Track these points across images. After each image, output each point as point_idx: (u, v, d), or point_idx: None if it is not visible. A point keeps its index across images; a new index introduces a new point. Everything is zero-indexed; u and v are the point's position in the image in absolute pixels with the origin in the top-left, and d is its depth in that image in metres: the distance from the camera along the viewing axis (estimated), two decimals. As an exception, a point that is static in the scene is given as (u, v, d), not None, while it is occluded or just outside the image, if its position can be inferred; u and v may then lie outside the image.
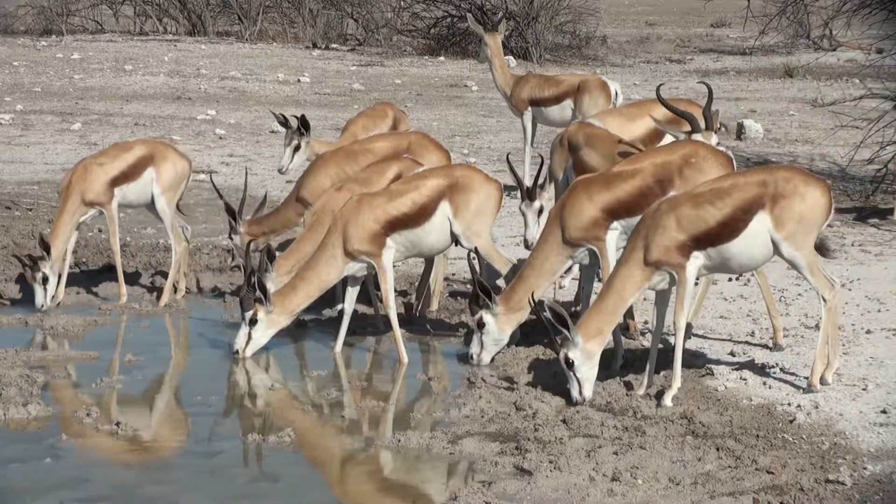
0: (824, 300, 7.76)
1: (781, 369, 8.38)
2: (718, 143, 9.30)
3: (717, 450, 6.98)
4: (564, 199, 8.56)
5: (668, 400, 7.73)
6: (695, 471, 6.76)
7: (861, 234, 12.55)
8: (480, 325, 8.46)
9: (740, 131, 18.25)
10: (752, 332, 9.26)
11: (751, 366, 8.44)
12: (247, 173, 11.30)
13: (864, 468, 6.77)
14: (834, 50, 28.67)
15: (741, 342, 9.03)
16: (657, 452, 6.95)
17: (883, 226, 12.92)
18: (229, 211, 10.38)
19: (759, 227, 7.64)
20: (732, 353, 8.76)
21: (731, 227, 7.64)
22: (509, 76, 14.07)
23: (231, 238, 10.50)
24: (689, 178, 8.44)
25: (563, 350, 7.75)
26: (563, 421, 7.46)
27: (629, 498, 6.50)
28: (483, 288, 8.40)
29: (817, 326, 9.27)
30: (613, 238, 8.48)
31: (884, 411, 7.58)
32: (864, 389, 7.96)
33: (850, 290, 10.32)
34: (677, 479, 6.65)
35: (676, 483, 6.62)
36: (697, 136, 9.23)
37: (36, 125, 18.68)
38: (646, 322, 9.58)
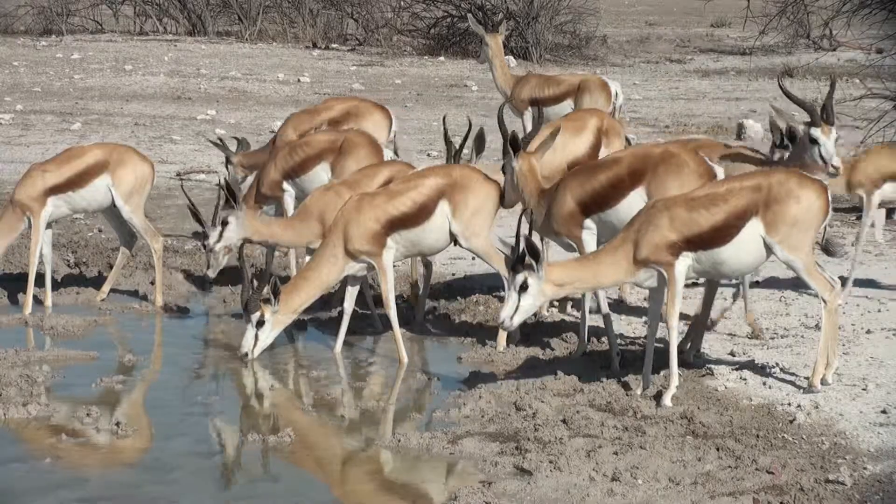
0: (824, 301, 7.75)
1: (781, 369, 8.38)
2: (838, 139, 8.86)
3: (717, 450, 6.98)
4: (553, 188, 8.63)
5: (667, 400, 7.73)
6: (695, 471, 6.76)
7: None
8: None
9: (740, 131, 18.25)
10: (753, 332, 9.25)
11: (751, 366, 8.44)
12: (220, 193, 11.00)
13: (864, 468, 6.77)
14: (834, 50, 28.65)
15: (741, 342, 9.03)
16: (657, 452, 6.95)
17: (883, 226, 12.92)
18: (198, 220, 10.24)
19: (752, 233, 7.65)
20: (732, 353, 8.76)
21: (723, 233, 7.65)
22: (510, 76, 14.08)
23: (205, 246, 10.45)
24: (661, 176, 8.45)
25: (524, 273, 7.63)
26: (563, 421, 7.45)
27: (629, 498, 6.50)
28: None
29: (817, 326, 9.29)
30: (591, 237, 8.49)
31: (884, 411, 7.58)
32: (864, 389, 7.96)
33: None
34: (677, 479, 6.65)
35: (676, 483, 6.62)
36: (816, 131, 8.91)
37: (36, 125, 18.68)
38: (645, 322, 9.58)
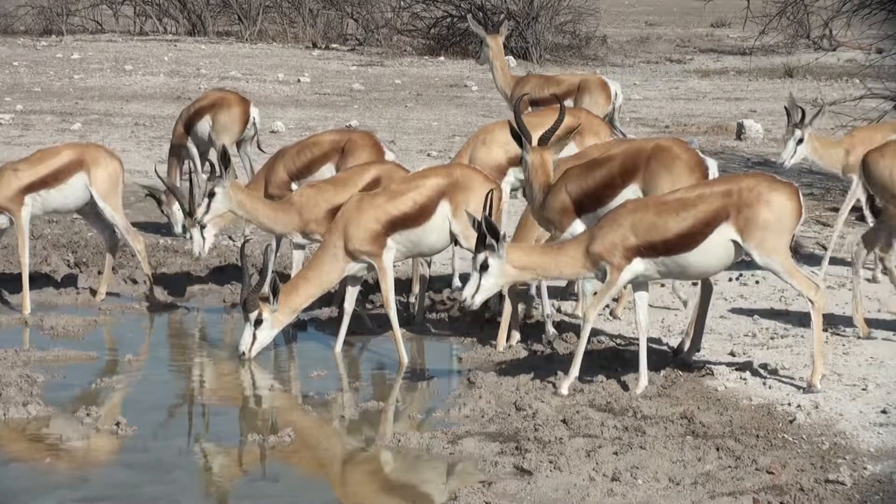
0: (811, 302, 7.78)
1: (781, 369, 8.38)
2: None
3: (717, 450, 6.98)
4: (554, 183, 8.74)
5: (563, 389, 7.86)
6: (695, 471, 6.76)
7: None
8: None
9: (740, 131, 18.25)
10: (753, 333, 9.26)
11: (751, 366, 8.44)
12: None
13: (864, 468, 6.77)
14: (834, 50, 28.66)
15: (741, 342, 9.03)
16: (657, 452, 6.95)
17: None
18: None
19: (721, 238, 7.69)
20: (732, 353, 8.75)
21: (690, 239, 7.70)
22: (510, 77, 14.12)
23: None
24: (654, 171, 8.55)
25: (485, 252, 7.76)
26: (563, 421, 7.45)
27: (629, 498, 6.50)
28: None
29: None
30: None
31: (884, 411, 7.58)
32: (864, 389, 7.96)
33: (850, 290, 10.31)
34: (677, 479, 6.65)
35: (676, 483, 6.61)
36: None
37: (36, 125, 18.68)
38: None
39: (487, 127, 10.48)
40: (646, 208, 7.78)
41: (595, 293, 8.16)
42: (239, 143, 12.61)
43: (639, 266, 7.77)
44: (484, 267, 7.77)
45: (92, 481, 6.87)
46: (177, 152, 12.79)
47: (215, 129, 12.41)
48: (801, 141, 10.70)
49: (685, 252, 7.71)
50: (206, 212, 9.37)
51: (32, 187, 10.04)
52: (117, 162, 10.31)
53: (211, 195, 9.30)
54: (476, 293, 7.81)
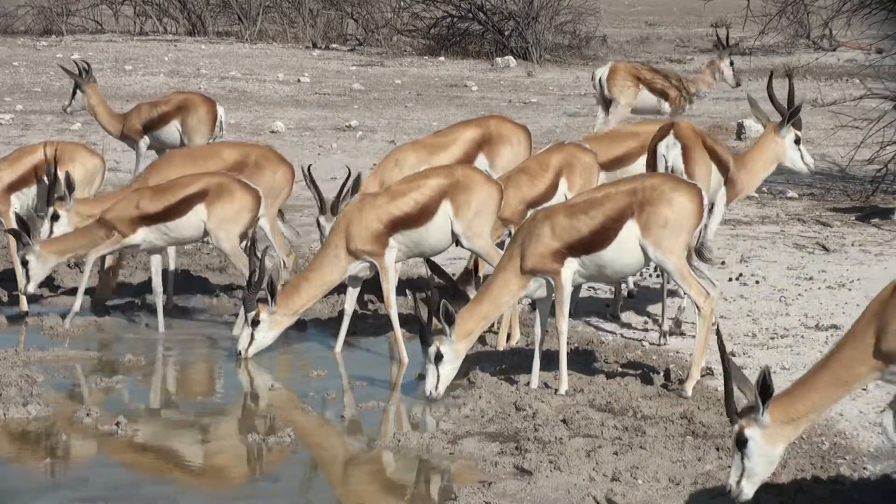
0: (698, 308, 7.83)
1: (782, 369, 8.37)
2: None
3: (717, 450, 6.98)
4: None
5: (563, 389, 7.88)
6: (695, 471, 6.76)
7: (861, 234, 12.55)
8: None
9: (740, 131, 18.27)
10: (753, 333, 9.26)
11: (751, 366, 8.43)
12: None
13: (864, 468, 6.77)
14: (834, 50, 28.65)
15: (741, 342, 9.02)
16: (657, 452, 6.95)
17: (883, 226, 12.93)
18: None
19: (629, 235, 7.79)
20: (733, 353, 8.75)
21: (602, 236, 7.79)
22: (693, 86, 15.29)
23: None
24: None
25: (436, 344, 7.81)
26: (563, 421, 7.46)
27: (629, 498, 6.49)
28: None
29: (818, 326, 9.31)
30: None
31: (883, 411, 7.56)
32: (863, 389, 7.94)
33: (850, 290, 10.32)
34: (677, 479, 6.65)
35: (676, 483, 6.61)
36: None
37: (36, 125, 18.67)
38: (650, 320, 9.58)
39: (401, 147, 10.41)
40: (556, 213, 7.92)
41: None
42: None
43: (574, 264, 7.86)
44: (438, 358, 7.84)
45: (92, 481, 6.87)
46: (127, 142, 12.58)
47: (186, 133, 12.16)
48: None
49: (600, 250, 7.81)
50: (28, 280, 9.41)
51: (15, 186, 10.06)
52: (98, 159, 10.30)
53: (25, 264, 9.35)
54: (438, 384, 7.88)
